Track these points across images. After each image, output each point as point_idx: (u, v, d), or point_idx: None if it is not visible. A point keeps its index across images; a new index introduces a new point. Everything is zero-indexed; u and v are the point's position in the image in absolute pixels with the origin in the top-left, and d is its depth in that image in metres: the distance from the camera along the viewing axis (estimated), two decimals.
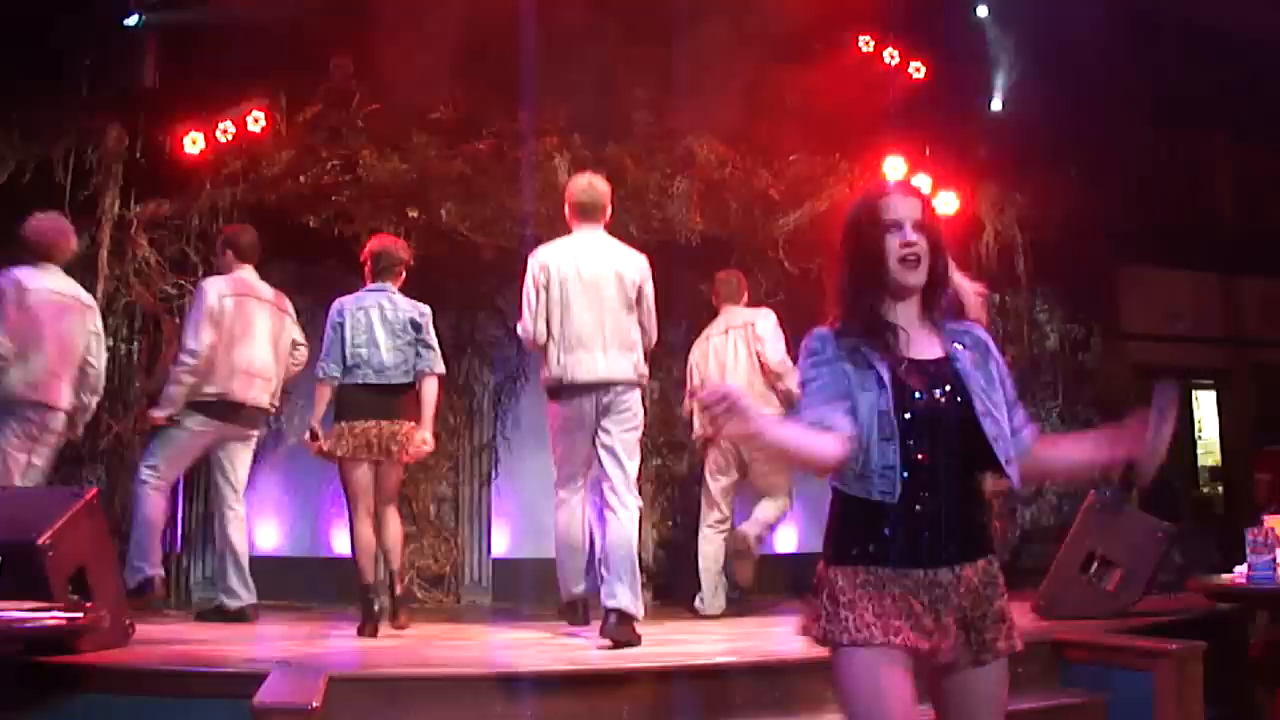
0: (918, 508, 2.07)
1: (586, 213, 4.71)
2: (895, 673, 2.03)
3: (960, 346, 2.19)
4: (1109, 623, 4.51)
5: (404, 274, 5.13)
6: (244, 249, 5.46)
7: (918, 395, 2.10)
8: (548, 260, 4.62)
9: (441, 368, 5.00)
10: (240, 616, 5.18)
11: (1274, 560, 4.44)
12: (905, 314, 2.20)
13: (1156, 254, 8.35)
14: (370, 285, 5.01)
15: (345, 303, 4.94)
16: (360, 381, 4.82)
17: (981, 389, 2.14)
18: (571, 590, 4.86)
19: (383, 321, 4.88)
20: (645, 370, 4.69)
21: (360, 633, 4.70)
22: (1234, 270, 9.01)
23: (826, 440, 2.09)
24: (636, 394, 4.62)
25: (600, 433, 4.55)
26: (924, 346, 2.18)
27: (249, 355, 5.30)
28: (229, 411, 5.27)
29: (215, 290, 5.27)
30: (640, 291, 4.65)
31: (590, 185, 4.76)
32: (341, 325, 4.86)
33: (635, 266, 4.67)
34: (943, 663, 2.10)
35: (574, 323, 4.50)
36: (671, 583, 7.10)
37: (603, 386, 4.50)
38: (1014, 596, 2.21)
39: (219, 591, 5.31)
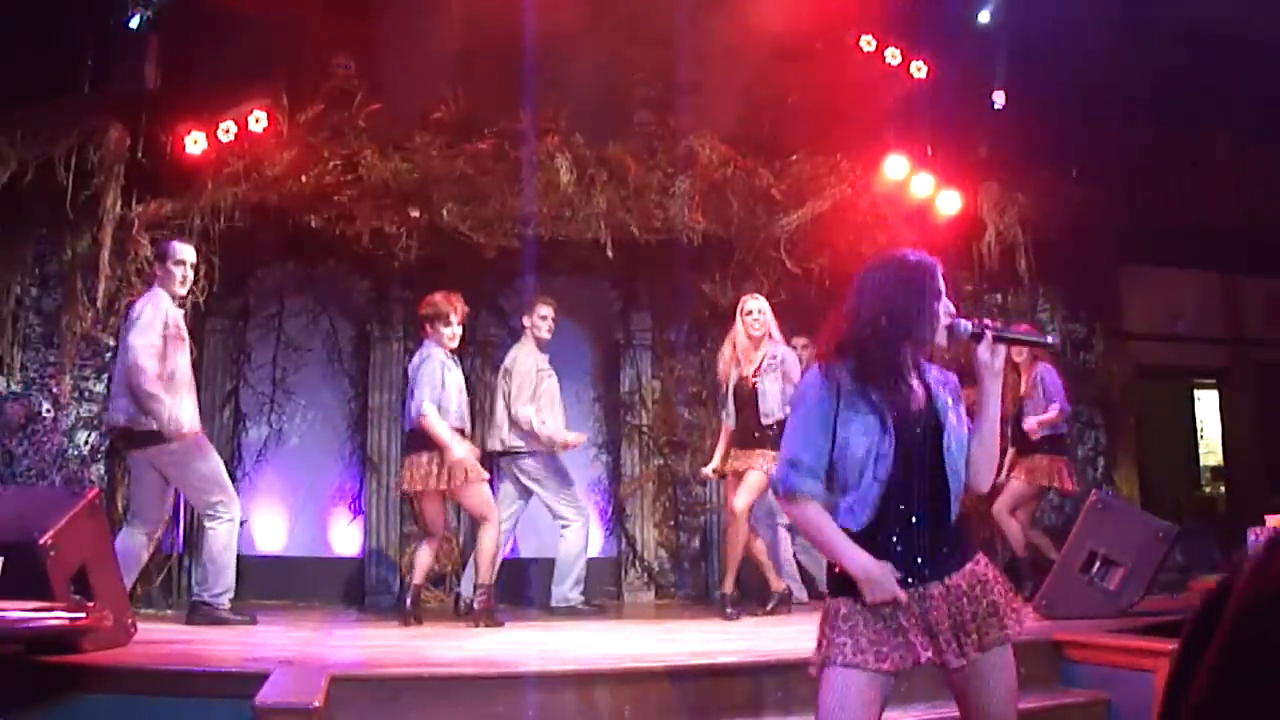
0: (900, 534, 2.31)
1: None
2: (875, 695, 2.25)
3: (945, 392, 2.44)
4: (1110, 622, 4.51)
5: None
6: None
7: (907, 437, 2.35)
8: None
9: None
10: None
11: None
12: (908, 364, 2.44)
13: (1157, 254, 8.32)
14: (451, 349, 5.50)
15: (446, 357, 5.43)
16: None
17: (954, 428, 2.40)
18: None
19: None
20: None
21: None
22: (1235, 270, 8.99)
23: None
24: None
25: None
26: (915, 390, 2.44)
27: None
28: None
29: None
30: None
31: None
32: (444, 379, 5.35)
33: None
34: (942, 665, 2.29)
35: None
36: (672, 583, 7.11)
37: None
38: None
39: None
